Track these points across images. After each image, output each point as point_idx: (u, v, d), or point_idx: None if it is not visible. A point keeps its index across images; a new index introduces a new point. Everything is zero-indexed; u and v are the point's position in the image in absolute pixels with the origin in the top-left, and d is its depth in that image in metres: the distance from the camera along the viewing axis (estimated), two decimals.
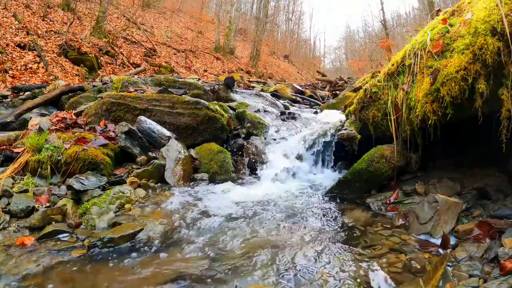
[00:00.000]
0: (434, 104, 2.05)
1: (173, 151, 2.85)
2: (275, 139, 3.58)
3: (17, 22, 8.66)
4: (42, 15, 9.80)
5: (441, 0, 24.00)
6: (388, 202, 2.35)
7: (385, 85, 2.57)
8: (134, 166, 2.75)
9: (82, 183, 2.24)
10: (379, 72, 2.82)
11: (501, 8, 1.69)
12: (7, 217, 1.93)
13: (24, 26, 8.63)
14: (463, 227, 1.75)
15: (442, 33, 2.14)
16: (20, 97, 4.91)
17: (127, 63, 10.17)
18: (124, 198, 2.23)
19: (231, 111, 4.00)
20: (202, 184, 2.75)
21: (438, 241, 1.75)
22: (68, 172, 2.37)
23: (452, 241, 1.72)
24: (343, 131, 3.04)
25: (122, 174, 2.56)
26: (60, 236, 1.86)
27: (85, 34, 9.84)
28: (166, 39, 15.07)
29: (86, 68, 8.10)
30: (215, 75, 13.20)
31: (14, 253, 1.66)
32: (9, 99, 4.79)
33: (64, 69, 7.86)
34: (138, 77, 5.18)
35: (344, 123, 3.25)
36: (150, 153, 2.90)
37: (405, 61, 2.38)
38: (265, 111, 4.36)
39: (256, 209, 2.32)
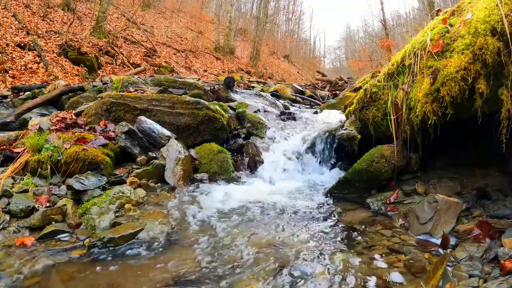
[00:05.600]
0: (434, 104, 2.05)
1: (173, 151, 2.85)
2: (275, 139, 3.58)
3: (17, 22, 8.66)
4: (42, 15, 9.79)
5: (441, 0, 24.01)
6: (388, 202, 2.35)
7: (385, 85, 2.57)
8: (134, 166, 2.75)
9: (82, 183, 2.24)
10: (379, 72, 2.82)
11: (501, 8, 1.69)
12: (7, 217, 1.93)
13: (24, 26, 8.63)
14: (463, 227, 1.75)
15: (442, 33, 2.14)
16: (20, 97, 4.91)
17: (127, 63, 10.16)
18: (124, 198, 2.23)
19: (231, 111, 4.00)
20: (202, 184, 2.75)
21: (438, 241, 1.75)
22: (68, 172, 2.37)
23: (452, 241, 1.72)
24: (343, 131, 3.04)
25: (122, 174, 2.56)
26: (60, 236, 1.86)
27: (85, 34, 9.84)
28: (166, 39, 15.06)
29: (86, 68, 8.09)
30: (215, 75, 13.20)
31: (14, 253, 1.66)
32: (9, 99, 4.78)
33: (64, 69, 7.85)
34: (138, 77, 5.17)
35: (344, 123, 3.25)
36: (150, 153, 2.90)
37: (405, 61, 2.38)
38: (265, 111, 4.36)
39: (255, 209, 2.33)
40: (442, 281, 1.34)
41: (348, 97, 5.23)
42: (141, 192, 2.41)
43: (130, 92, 3.89)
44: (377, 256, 1.66)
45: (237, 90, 5.81)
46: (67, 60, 8.29)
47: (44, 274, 1.51)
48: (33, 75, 6.99)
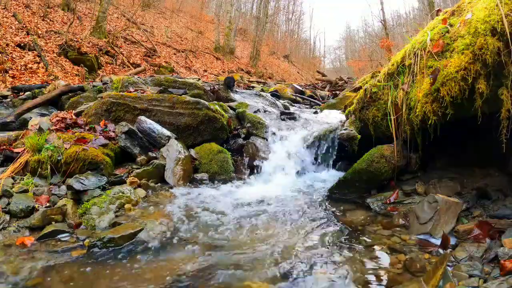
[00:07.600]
0: (434, 104, 2.05)
1: (173, 151, 2.85)
2: (275, 139, 3.58)
3: (17, 22, 8.66)
4: (42, 15, 9.79)
5: (441, 0, 24.02)
6: (388, 202, 2.35)
7: (385, 85, 2.57)
8: (134, 166, 2.75)
9: (82, 183, 2.24)
10: (379, 72, 2.82)
11: (501, 8, 1.69)
12: (7, 217, 1.93)
13: (24, 26, 8.63)
14: (463, 227, 1.75)
15: (442, 33, 2.14)
16: (20, 97, 4.90)
17: (127, 63, 10.16)
18: (124, 198, 2.23)
19: (231, 111, 3.99)
20: (202, 184, 2.76)
21: (438, 241, 1.75)
22: (68, 172, 2.37)
23: (452, 241, 1.72)
24: (343, 131, 3.05)
25: (122, 174, 2.56)
26: (60, 236, 1.86)
27: (85, 34, 9.84)
28: (166, 39, 15.06)
29: (86, 68, 8.08)
30: (215, 75, 13.19)
31: (14, 253, 1.66)
32: (9, 99, 4.78)
33: (64, 69, 7.85)
34: (138, 77, 5.17)
35: (344, 123, 3.25)
36: (150, 153, 2.90)
37: (405, 61, 2.38)
38: (265, 111, 4.36)
39: (255, 209, 2.33)
40: (442, 281, 1.34)
41: (348, 97, 5.23)
42: (141, 192, 2.41)
43: (130, 92, 3.89)
44: (377, 256, 1.66)
45: (237, 90, 5.81)
46: (67, 60, 8.29)
47: (44, 274, 1.51)
48: (33, 75, 6.99)
